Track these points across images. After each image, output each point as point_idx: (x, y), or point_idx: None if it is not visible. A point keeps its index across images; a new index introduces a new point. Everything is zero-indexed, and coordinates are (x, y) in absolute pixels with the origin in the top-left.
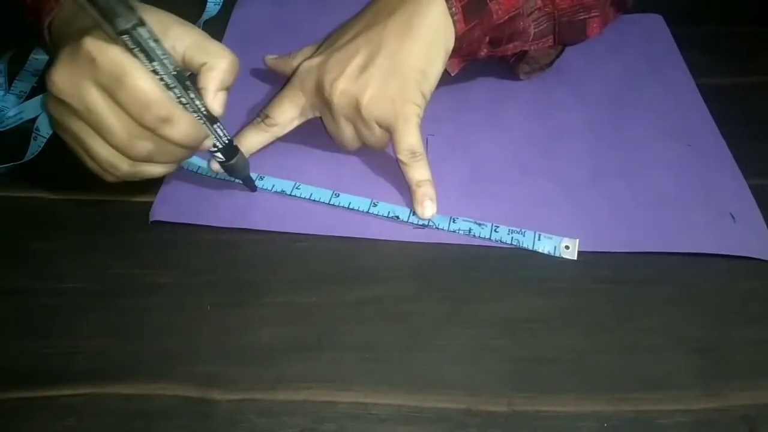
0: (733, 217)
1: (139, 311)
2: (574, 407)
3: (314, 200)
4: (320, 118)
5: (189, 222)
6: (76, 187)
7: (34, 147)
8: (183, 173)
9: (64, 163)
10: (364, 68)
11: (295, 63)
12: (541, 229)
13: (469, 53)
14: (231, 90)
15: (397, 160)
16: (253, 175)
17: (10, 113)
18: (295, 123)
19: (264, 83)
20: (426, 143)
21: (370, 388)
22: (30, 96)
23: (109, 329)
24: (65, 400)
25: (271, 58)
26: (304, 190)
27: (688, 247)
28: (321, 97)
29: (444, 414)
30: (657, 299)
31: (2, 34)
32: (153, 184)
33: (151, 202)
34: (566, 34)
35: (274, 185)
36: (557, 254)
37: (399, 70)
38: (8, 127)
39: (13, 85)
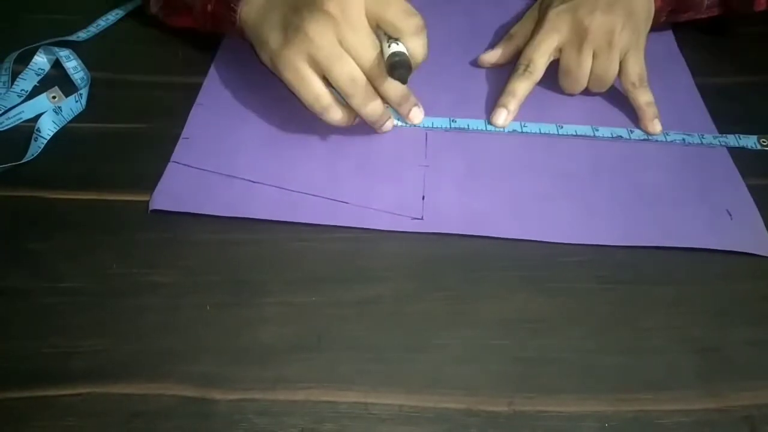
0: (730, 214)
1: (138, 311)
2: (575, 407)
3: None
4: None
5: (188, 211)
6: (75, 187)
7: (35, 148)
8: (182, 167)
9: (64, 163)
10: (612, 4)
11: (518, 37)
12: (539, 223)
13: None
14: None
15: (625, 89)
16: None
17: (10, 113)
18: (545, 67)
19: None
20: (425, 138)
21: (370, 388)
22: (30, 96)
23: (109, 329)
24: (64, 399)
25: (492, 53)
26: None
27: (685, 242)
28: (576, 31)
29: (444, 414)
30: (657, 299)
31: (8, 33)
32: (152, 185)
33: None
34: (736, 3)
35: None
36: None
37: (635, 11)
38: (7, 127)
39: (15, 83)
